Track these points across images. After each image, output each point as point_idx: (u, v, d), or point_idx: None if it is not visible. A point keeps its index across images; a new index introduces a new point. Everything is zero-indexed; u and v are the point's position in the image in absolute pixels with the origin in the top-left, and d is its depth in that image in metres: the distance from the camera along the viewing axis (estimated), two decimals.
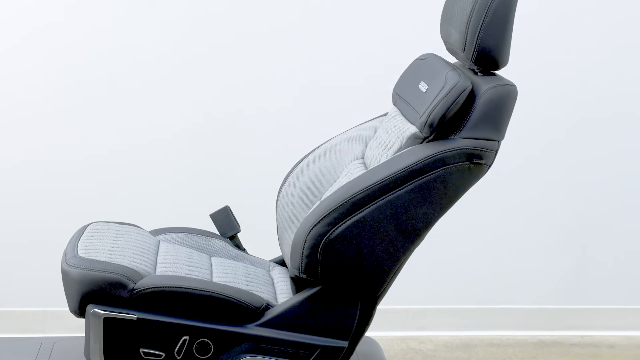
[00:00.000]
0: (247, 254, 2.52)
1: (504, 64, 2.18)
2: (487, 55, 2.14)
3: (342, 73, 3.31)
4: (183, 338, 2.08)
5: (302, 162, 2.50)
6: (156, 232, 2.49)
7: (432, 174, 2.09)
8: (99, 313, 2.06)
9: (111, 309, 2.06)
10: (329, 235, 2.08)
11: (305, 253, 2.09)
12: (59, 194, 3.30)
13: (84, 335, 2.10)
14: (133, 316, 2.06)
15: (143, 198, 3.33)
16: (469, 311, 3.52)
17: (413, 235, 2.12)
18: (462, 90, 2.11)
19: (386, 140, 2.31)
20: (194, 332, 2.08)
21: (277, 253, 2.59)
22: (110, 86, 3.26)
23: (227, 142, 3.32)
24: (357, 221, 2.08)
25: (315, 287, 2.14)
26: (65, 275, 2.12)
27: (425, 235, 2.15)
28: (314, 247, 2.08)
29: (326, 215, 2.08)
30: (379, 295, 2.18)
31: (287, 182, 2.50)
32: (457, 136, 2.12)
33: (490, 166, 2.15)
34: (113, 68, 3.25)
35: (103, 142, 3.29)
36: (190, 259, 2.34)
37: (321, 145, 2.51)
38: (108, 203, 3.30)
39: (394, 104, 2.44)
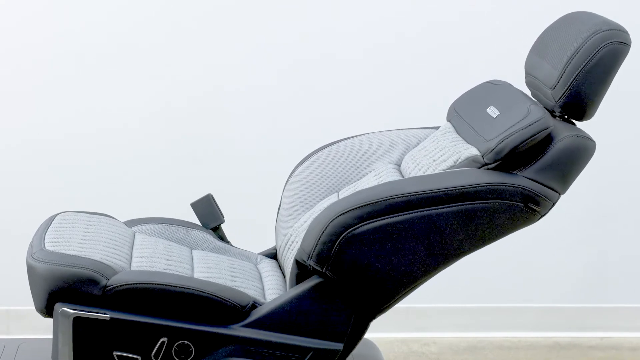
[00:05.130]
0: (232, 246, 2.52)
1: (589, 117, 2.21)
2: (576, 102, 2.18)
3: (333, 48, 3.31)
4: (161, 340, 2.09)
5: (328, 148, 2.52)
6: (131, 223, 2.49)
7: (482, 202, 2.11)
8: (68, 312, 2.06)
9: (82, 308, 2.06)
10: (354, 229, 2.08)
11: (322, 239, 2.09)
12: (24, 181, 3.30)
13: (51, 336, 2.11)
14: (106, 316, 2.06)
15: (117, 185, 3.32)
16: (476, 310, 3.53)
17: (440, 260, 2.13)
18: (544, 127, 2.13)
19: (437, 154, 2.33)
20: (173, 334, 2.09)
21: (264, 245, 2.60)
22: (78, 64, 3.25)
23: (210, 124, 3.32)
24: (388, 225, 2.08)
25: (315, 280, 2.14)
26: (30, 270, 2.13)
27: (451, 264, 2.16)
28: (333, 236, 2.08)
29: (359, 207, 2.08)
30: (383, 309, 2.18)
31: (304, 164, 2.51)
32: (520, 174, 2.14)
33: (542, 217, 2.17)
34: (80, 45, 3.24)
35: (73, 125, 3.28)
36: (169, 253, 2.34)
37: (351, 137, 2.53)
38: (78, 191, 3.30)
39: (448, 120, 2.46)
